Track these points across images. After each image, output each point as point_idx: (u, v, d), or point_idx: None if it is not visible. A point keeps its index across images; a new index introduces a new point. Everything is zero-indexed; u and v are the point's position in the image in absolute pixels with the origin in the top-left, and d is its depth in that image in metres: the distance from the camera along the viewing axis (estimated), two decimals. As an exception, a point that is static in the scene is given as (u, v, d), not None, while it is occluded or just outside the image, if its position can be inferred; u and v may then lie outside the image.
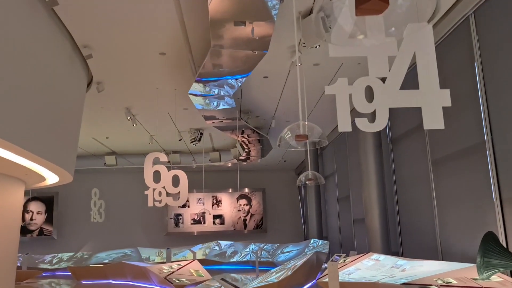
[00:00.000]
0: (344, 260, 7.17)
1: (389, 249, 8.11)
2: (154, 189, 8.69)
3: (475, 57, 5.58)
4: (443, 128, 3.12)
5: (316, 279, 9.69)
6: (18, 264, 14.41)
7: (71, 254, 15.04)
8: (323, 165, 14.72)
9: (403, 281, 5.18)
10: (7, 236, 7.78)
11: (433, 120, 3.03)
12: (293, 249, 13.86)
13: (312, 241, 13.61)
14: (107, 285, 10.85)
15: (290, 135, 3.33)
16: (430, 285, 4.89)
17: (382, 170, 8.48)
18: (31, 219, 17.29)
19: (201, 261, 14.58)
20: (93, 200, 14.37)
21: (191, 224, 17.99)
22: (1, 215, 7.61)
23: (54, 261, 14.67)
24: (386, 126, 8.83)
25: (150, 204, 8.73)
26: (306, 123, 3.41)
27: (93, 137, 12.83)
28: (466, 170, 6.03)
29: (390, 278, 5.86)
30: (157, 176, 8.93)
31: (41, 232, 17.26)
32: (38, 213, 17.37)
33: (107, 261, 14.59)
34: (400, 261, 6.63)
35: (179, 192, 9.07)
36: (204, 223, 17.88)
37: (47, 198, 17.41)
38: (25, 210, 17.22)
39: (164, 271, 9.19)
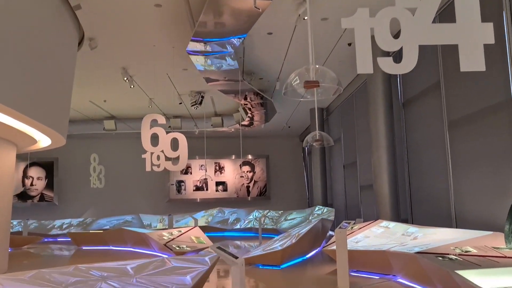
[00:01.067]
0: (352, 228, 6.80)
1: (399, 217, 7.73)
2: (152, 153, 8.27)
3: (504, 4, 4.99)
4: (483, 70, 2.62)
5: (321, 247, 9.40)
6: (20, 229, 14.31)
7: (81, 219, 15.00)
8: (329, 130, 14.24)
9: (417, 249, 4.80)
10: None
11: (472, 60, 2.51)
12: (297, 216, 13.59)
13: (316, 208, 13.30)
14: (107, 251, 10.63)
15: (298, 81, 2.83)
16: (448, 254, 4.50)
17: (393, 133, 8.00)
18: (31, 184, 17.06)
19: (204, 228, 14.36)
20: (92, 166, 14.03)
21: (194, 190, 17.73)
22: (-8, 179, 7.27)
23: (64, 226, 14.61)
24: (398, 87, 8.34)
25: (148, 168, 8.34)
26: (317, 66, 2.91)
27: (90, 100, 12.36)
28: (487, 131, 5.54)
29: (401, 247, 5.49)
30: (155, 140, 8.49)
31: (42, 197, 17.06)
32: (38, 178, 17.12)
33: (108, 227, 14.40)
34: (411, 228, 6.25)
35: (178, 156, 8.64)
36: (207, 190, 17.64)
37: (47, 164, 17.12)
38: (25, 175, 17.00)
39: (164, 237, 8.90)
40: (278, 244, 7.52)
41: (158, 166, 8.32)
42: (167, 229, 11.77)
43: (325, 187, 14.19)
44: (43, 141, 7.92)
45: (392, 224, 6.67)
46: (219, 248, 3.03)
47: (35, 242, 12.43)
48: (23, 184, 16.92)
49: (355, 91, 10.91)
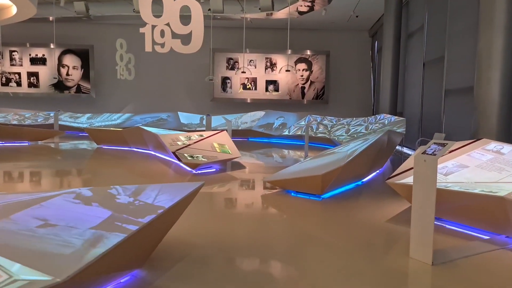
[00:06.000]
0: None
1: (511, 135, 5.10)
2: (154, 27, 5.95)
3: None
4: None
5: (383, 169, 7.05)
6: (50, 122, 13.25)
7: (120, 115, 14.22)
8: (407, 18, 11.06)
9: None
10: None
11: None
12: (357, 125, 11.13)
13: (381, 116, 10.72)
14: (124, 153, 8.99)
15: None
16: None
17: (519, 6, 5.05)
18: (67, 74, 15.68)
19: (246, 132, 12.47)
20: (119, 53, 12.03)
21: (242, 89, 15.53)
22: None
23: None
24: None
25: (147, 48, 6.10)
26: None
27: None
28: None
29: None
30: (159, 9, 6.11)
31: (78, 89, 15.74)
32: (74, 68, 15.66)
33: (141, 125, 12.84)
34: (546, 158, 3.68)
35: (190, 33, 6.25)
36: (255, 89, 15.40)
37: (82, 52, 15.51)
38: (60, 64, 15.61)
39: (178, 142, 6.93)
40: (324, 161, 5.30)
41: (162, 45, 6.03)
42: (204, 130, 9.92)
43: (396, 91, 11.40)
44: (9, 10, 5.90)
45: (507, 148, 4.10)
46: None
47: (56, 136, 11.14)
48: (59, 73, 15.57)
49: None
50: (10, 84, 15.64)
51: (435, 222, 2.80)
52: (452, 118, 7.74)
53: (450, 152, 4.27)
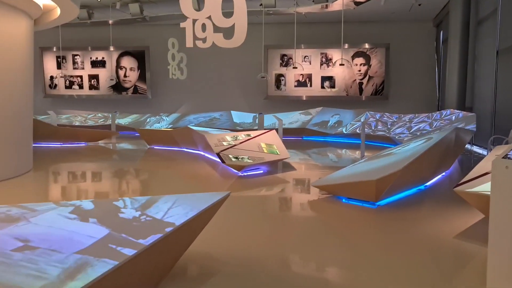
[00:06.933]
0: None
1: None
2: (195, 21, 5.63)
3: None
4: None
5: (450, 171, 6.29)
6: (106, 123, 13.54)
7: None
8: (477, 3, 10.01)
9: None
10: (13, 72, 5.70)
11: None
12: (420, 121, 10.27)
13: (447, 112, 9.81)
14: (173, 154, 8.83)
15: None
16: None
17: None
18: (125, 75, 15.99)
19: (301, 131, 11.98)
20: (171, 53, 11.93)
21: (295, 86, 15.00)
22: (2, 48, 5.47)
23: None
24: None
25: (188, 43, 5.79)
26: None
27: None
28: None
29: None
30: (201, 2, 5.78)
31: (135, 90, 15.99)
32: (131, 69, 15.93)
33: (193, 124, 12.74)
34: None
35: (233, 26, 5.85)
36: (310, 86, 14.81)
37: (139, 53, 15.74)
38: (118, 66, 15.96)
39: (223, 143, 6.59)
40: (380, 163, 4.71)
41: (204, 40, 5.70)
42: (257, 129, 9.60)
43: (464, 84, 10.39)
44: (55, 11, 5.84)
45: None
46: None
47: (110, 136, 11.27)
48: (117, 76, 15.95)
49: None
50: (73, 86, 16.21)
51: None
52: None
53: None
